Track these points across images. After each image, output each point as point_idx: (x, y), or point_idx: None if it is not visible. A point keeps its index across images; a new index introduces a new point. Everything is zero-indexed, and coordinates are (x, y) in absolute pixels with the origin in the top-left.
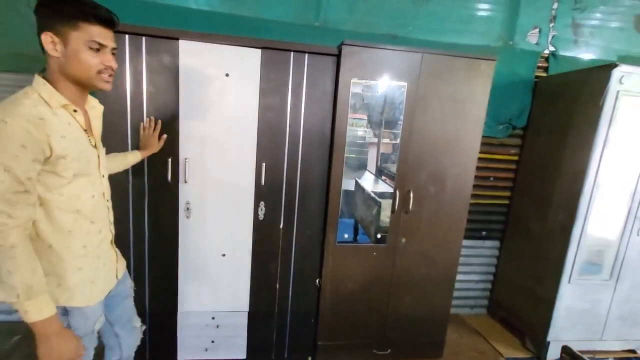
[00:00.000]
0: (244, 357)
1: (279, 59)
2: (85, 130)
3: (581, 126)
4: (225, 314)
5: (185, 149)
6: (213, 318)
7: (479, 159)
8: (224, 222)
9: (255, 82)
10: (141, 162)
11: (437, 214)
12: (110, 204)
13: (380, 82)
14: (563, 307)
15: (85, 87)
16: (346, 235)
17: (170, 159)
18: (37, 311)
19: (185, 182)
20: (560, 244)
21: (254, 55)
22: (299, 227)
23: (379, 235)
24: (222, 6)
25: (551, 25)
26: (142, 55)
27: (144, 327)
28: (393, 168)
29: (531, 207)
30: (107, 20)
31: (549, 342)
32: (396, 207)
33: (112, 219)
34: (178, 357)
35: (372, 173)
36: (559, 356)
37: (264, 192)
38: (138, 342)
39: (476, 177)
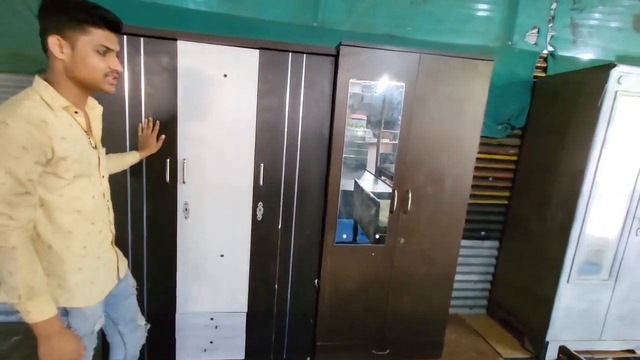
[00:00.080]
0: (243, 357)
1: (277, 59)
2: (85, 132)
3: (580, 126)
4: (223, 314)
5: (184, 149)
6: (212, 319)
7: (478, 159)
8: (223, 223)
9: (253, 83)
10: (139, 163)
11: (436, 214)
12: (110, 204)
13: (378, 82)
14: (562, 307)
15: (89, 90)
16: (345, 236)
17: (168, 160)
18: (38, 312)
19: (184, 182)
20: (559, 244)
21: (252, 56)
22: (297, 227)
23: (377, 236)
24: (220, 7)
25: (550, 25)
26: (141, 56)
27: (148, 326)
28: (392, 168)
29: (530, 207)
30: (114, 25)
31: (547, 342)
32: (394, 207)
33: (112, 219)
34: (177, 358)
35: (371, 173)
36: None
37: (262, 193)
38: (143, 341)
39: (475, 177)
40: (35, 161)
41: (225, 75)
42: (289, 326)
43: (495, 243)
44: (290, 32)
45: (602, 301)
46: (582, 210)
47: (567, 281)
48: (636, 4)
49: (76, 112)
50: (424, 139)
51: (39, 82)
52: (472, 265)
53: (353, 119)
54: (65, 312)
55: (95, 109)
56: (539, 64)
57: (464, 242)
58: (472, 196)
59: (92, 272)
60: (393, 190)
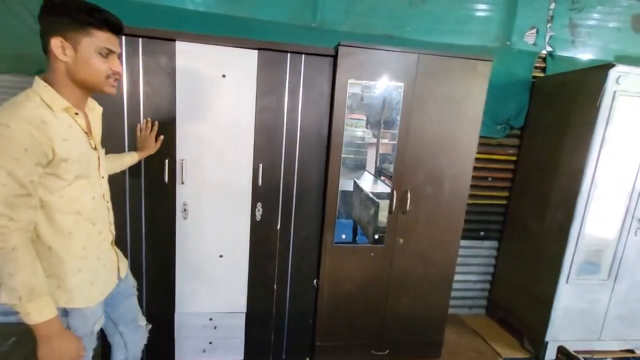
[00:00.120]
0: (242, 358)
1: (275, 60)
2: (85, 133)
3: (578, 126)
4: (222, 315)
5: (182, 150)
6: (211, 319)
7: (477, 159)
8: (222, 223)
9: (252, 83)
10: (138, 164)
11: (435, 214)
12: (110, 205)
13: (377, 82)
14: (561, 307)
15: (91, 91)
16: (344, 236)
17: (167, 160)
18: (38, 313)
19: (182, 183)
20: (558, 243)
21: (251, 57)
22: (296, 227)
23: (376, 236)
24: (218, 7)
25: (548, 25)
26: (139, 56)
27: (149, 326)
28: (392, 168)
29: (529, 207)
30: (117, 27)
31: (547, 342)
32: (393, 207)
33: (112, 219)
34: (176, 359)
35: (371, 173)
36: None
37: (261, 193)
38: (144, 341)
39: (474, 177)
40: (36, 162)
41: (223, 76)
42: (288, 326)
43: (495, 243)
44: (288, 32)
45: (602, 301)
46: (581, 210)
47: (567, 281)
48: (635, 4)
49: (76, 114)
50: (423, 139)
51: (38, 83)
52: (471, 265)
53: (352, 119)
54: (65, 313)
55: (95, 110)
56: (537, 64)
57: (463, 242)
58: (471, 196)
59: (92, 273)
60: (392, 191)
